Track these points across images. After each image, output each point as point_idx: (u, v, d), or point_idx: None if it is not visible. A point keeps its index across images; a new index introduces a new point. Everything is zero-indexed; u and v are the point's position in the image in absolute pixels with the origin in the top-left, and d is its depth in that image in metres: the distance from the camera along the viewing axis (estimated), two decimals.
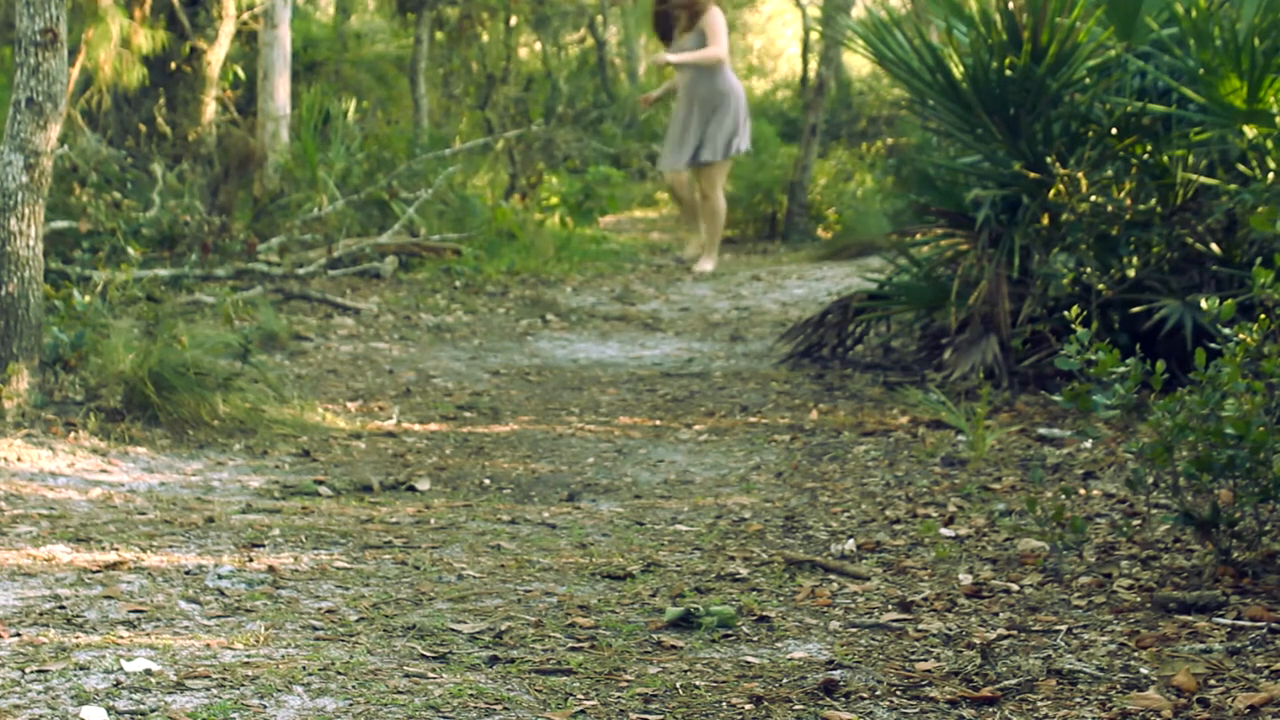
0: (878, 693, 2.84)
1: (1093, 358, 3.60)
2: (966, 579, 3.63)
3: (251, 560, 3.74)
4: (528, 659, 3.00)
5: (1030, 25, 6.17)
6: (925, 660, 3.03)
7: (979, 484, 4.65)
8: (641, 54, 18.51)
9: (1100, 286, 6.10)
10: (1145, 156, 6.17)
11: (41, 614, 3.23)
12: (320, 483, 4.78)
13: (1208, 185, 6.07)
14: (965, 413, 5.42)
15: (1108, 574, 3.64)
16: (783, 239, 12.92)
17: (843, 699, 2.81)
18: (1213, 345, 3.78)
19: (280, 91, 10.96)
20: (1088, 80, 6.21)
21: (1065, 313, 3.90)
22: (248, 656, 2.97)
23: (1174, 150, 6.13)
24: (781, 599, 3.49)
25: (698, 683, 2.89)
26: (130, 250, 8.17)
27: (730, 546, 4.00)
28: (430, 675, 2.88)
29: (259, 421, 5.47)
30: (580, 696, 2.79)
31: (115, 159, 9.47)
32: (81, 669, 2.86)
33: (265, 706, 2.69)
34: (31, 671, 2.84)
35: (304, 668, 2.90)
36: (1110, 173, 6.26)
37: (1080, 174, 6.18)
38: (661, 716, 2.71)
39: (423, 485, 4.80)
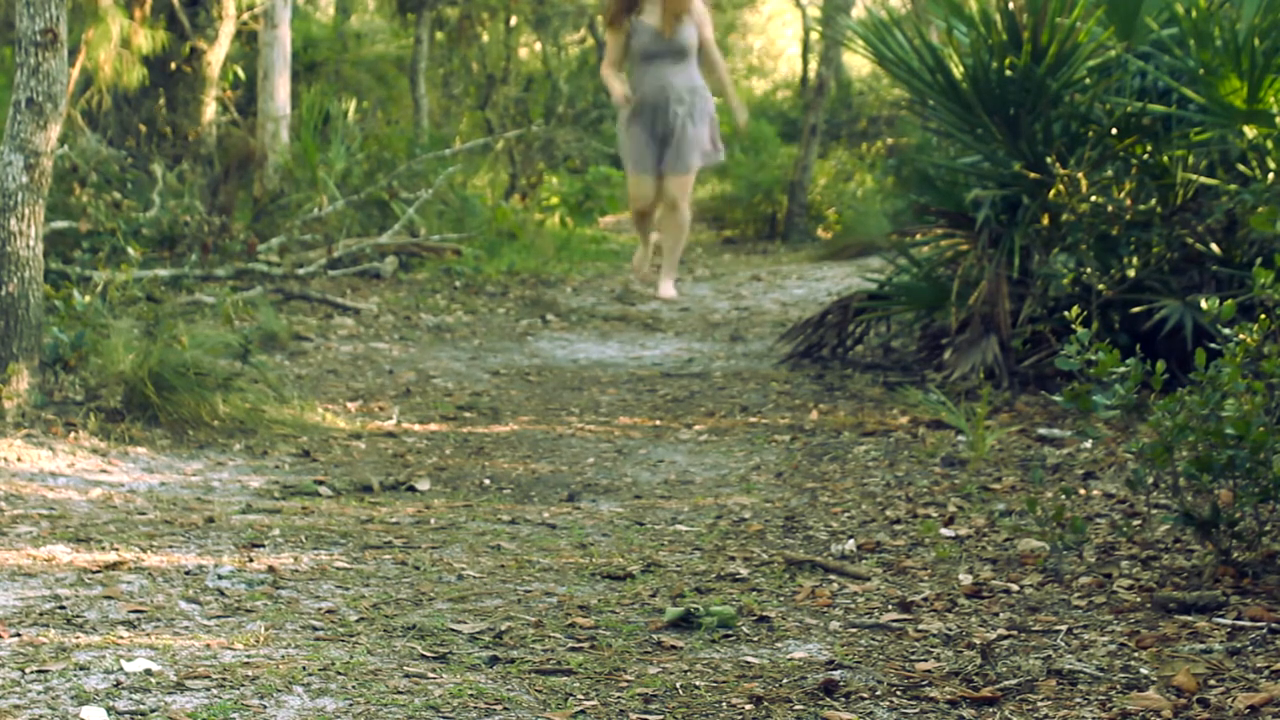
0: (878, 693, 2.84)
1: (1093, 358, 3.60)
2: (966, 579, 3.63)
3: (251, 560, 3.74)
4: (528, 659, 3.00)
5: (1030, 25, 6.17)
6: (925, 660, 3.03)
7: (979, 484, 4.65)
8: None
9: (1100, 286, 6.10)
10: (1145, 157, 6.17)
11: (41, 614, 3.23)
12: (320, 483, 4.78)
13: (1208, 185, 6.07)
14: (965, 413, 5.42)
15: (1108, 574, 3.64)
16: (783, 239, 12.93)
17: (843, 699, 2.81)
18: (1213, 345, 3.77)
19: (280, 91, 10.97)
20: (1088, 80, 6.21)
21: (1065, 313, 3.90)
22: (248, 656, 2.97)
23: (1174, 150, 6.13)
24: (781, 599, 3.49)
25: (698, 683, 2.89)
26: (130, 250, 8.17)
27: (730, 546, 3.99)
28: (430, 675, 2.88)
29: (259, 421, 5.47)
30: (580, 696, 2.79)
31: (115, 159, 9.48)
32: (81, 669, 2.86)
33: (265, 706, 2.69)
34: (31, 671, 2.84)
35: (304, 668, 2.90)
36: (1110, 173, 6.26)
37: (1080, 174, 6.18)
38: (661, 716, 2.71)
39: (423, 485, 4.80)
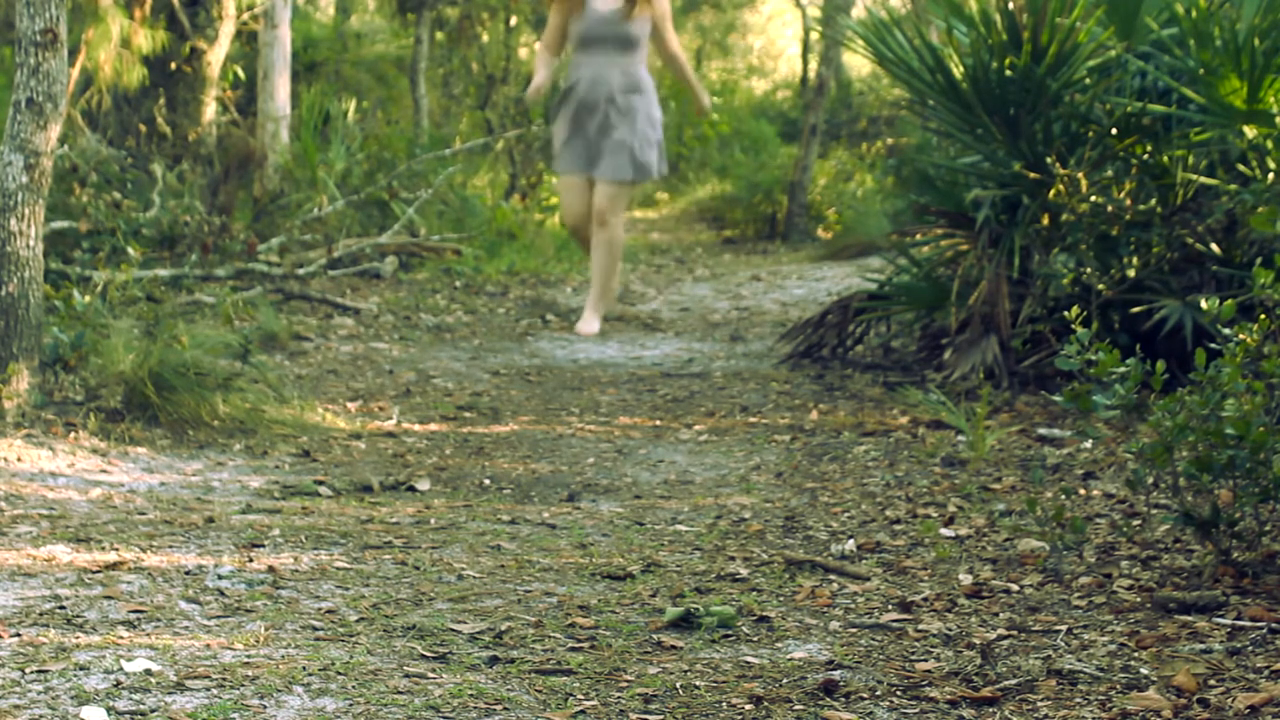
0: (878, 693, 2.84)
1: (1093, 358, 3.60)
2: (966, 579, 3.63)
3: (251, 560, 3.74)
4: (528, 659, 3.00)
5: (1030, 25, 6.17)
6: (925, 660, 3.03)
7: (979, 484, 4.65)
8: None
9: (1100, 286, 6.10)
10: (1145, 157, 6.17)
11: (41, 614, 3.23)
12: (320, 483, 4.78)
13: (1208, 185, 6.07)
14: (965, 413, 5.42)
15: (1108, 574, 3.64)
16: (783, 239, 12.93)
17: (843, 699, 2.81)
18: (1213, 345, 3.78)
19: (280, 91, 10.96)
20: (1088, 80, 6.21)
21: (1065, 313, 3.90)
22: (248, 656, 2.97)
23: (1174, 150, 6.13)
24: (781, 599, 3.49)
25: (698, 683, 2.89)
26: (130, 250, 8.17)
27: (730, 546, 4.00)
28: (430, 675, 2.88)
29: (259, 421, 5.47)
30: (580, 696, 2.79)
31: (115, 159, 9.47)
32: (81, 669, 2.86)
33: (265, 706, 2.69)
34: (31, 671, 2.84)
35: (304, 668, 2.90)
36: (1110, 173, 6.26)
37: (1080, 174, 6.18)
38: (661, 716, 2.71)
39: (423, 485, 4.80)
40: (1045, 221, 6.31)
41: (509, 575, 3.68)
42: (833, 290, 9.18)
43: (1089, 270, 6.15)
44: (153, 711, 2.65)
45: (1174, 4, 6.00)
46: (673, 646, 3.12)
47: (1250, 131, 5.87)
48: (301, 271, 8.92)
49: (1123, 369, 3.57)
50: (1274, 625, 3.18)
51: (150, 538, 3.97)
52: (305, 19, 15.44)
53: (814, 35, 18.76)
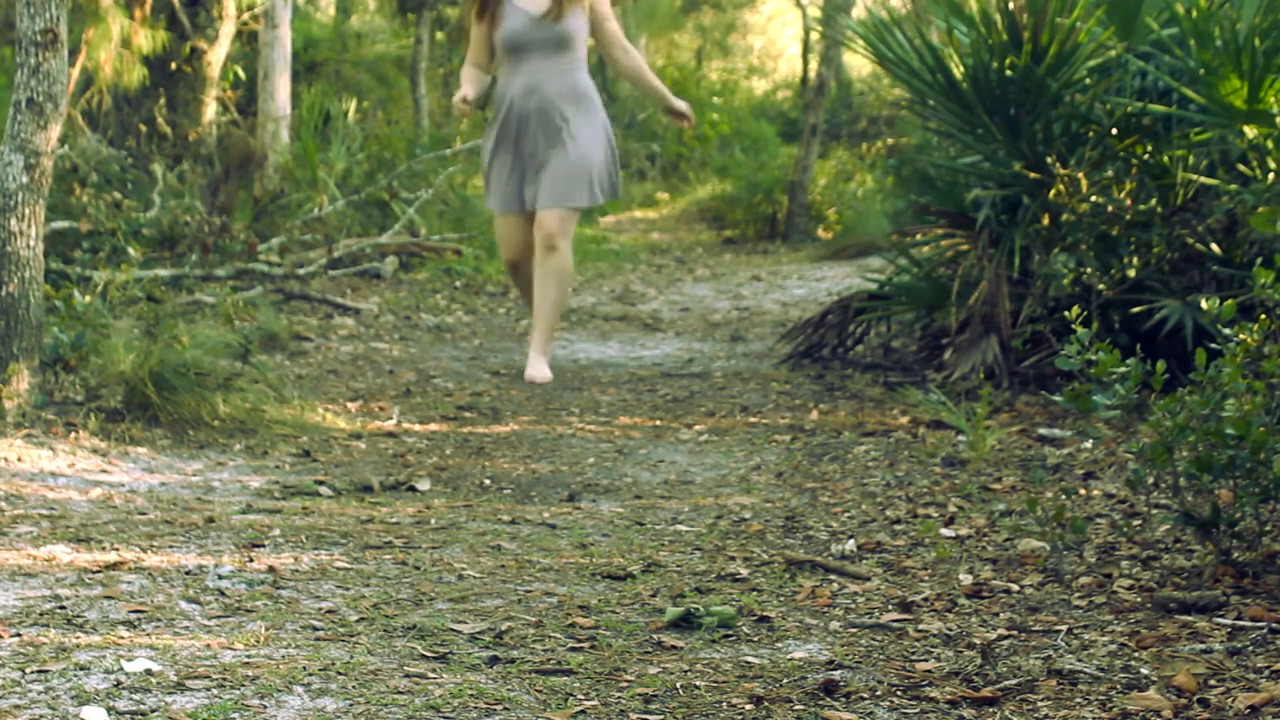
0: (878, 693, 2.84)
1: (1093, 358, 3.60)
2: (967, 579, 3.63)
3: (252, 560, 3.74)
4: (528, 659, 3.00)
5: (1030, 25, 6.17)
6: (925, 660, 3.03)
7: (979, 484, 4.65)
8: (642, 54, 18.50)
9: (1100, 286, 6.10)
10: (1145, 157, 6.17)
11: (42, 614, 3.23)
12: (320, 483, 4.78)
13: (1208, 185, 6.07)
14: (965, 413, 5.42)
15: (1108, 574, 3.64)
16: (783, 239, 12.93)
17: (843, 699, 2.81)
18: (1213, 345, 3.77)
19: (280, 91, 10.97)
20: (1088, 80, 6.21)
21: (1065, 313, 3.90)
22: (248, 656, 2.97)
23: (1174, 150, 6.13)
24: (782, 599, 3.49)
25: (698, 683, 2.89)
26: (130, 250, 8.17)
27: (730, 546, 4.00)
28: (430, 675, 2.88)
29: (259, 421, 5.47)
30: (580, 696, 2.79)
31: (115, 159, 9.48)
32: (82, 669, 2.86)
33: (265, 706, 2.69)
34: (32, 671, 2.84)
35: (304, 668, 2.90)
36: (1110, 173, 6.26)
37: (1080, 174, 6.18)
38: (662, 716, 2.71)
39: (423, 485, 4.80)
40: (1045, 221, 6.31)
41: (509, 575, 3.68)
42: (833, 290, 9.18)
43: (1089, 270, 6.15)
44: (153, 711, 2.65)
45: (1174, 4, 6.00)
46: (673, 646, 3.12)
47: (1250, 131, 5.87)
48: (302, 271, 8.92)
49: (1123, 369, 3.57)
50: (1274, 625, 3.18)
51: (150, 538, 3.97)
52: (305, 19, 15.44)
53: (814, 35, 18.77)
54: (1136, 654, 3.05)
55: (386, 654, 3.02)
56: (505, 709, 2.72)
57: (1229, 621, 3.23)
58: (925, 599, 3.46)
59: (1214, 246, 5.98)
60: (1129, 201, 6.20)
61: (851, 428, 5.62)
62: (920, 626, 3.26)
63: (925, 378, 6.35)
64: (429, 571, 3.69)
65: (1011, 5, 6.22)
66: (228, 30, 10.83)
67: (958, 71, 6.31)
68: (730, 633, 3.22)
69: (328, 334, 7.70)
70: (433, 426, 5.75)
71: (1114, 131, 6.18)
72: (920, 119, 8.48)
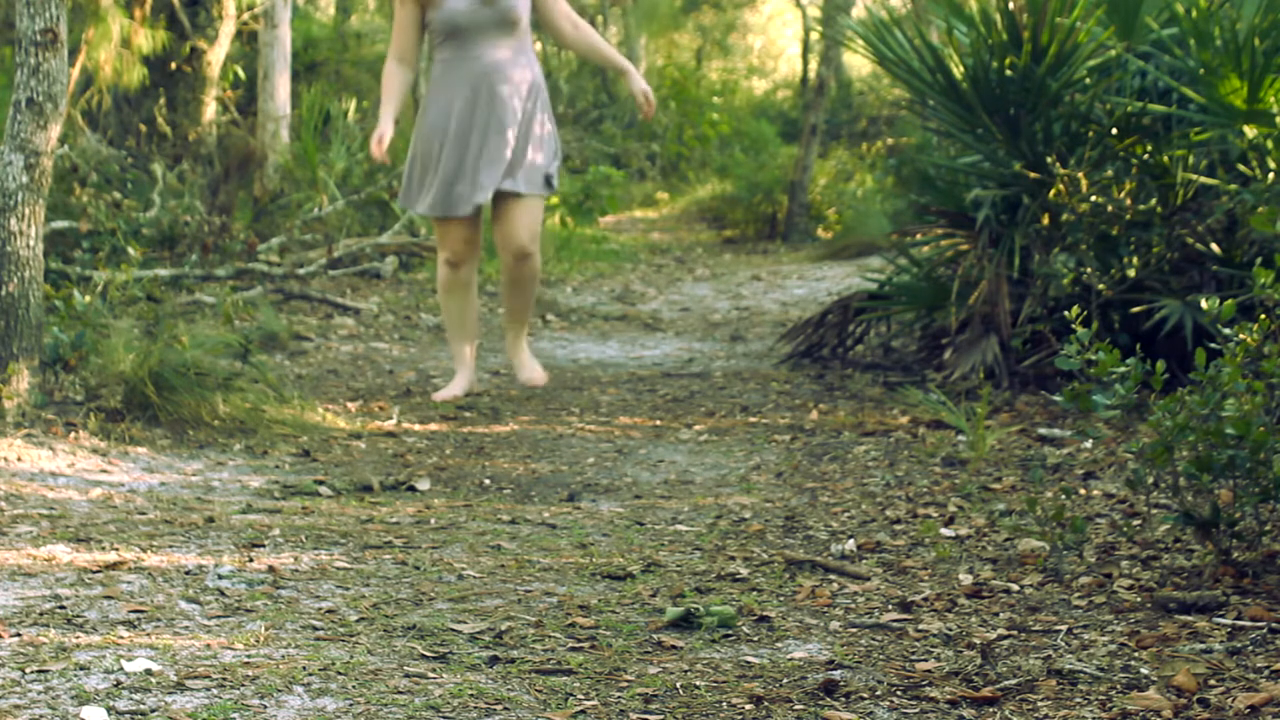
0: (878, 693, 2.84)
1: (1093, 358, 3.60)
2: (966, 579, 3.63)
3: (251, 560, 3.74)
4: (528, 659, 3.00)
5: (1030, 25, 6.17)
6: (925, 660, 3.03)
7: (979, 484, 4.65)
8: (642, 54, 18.53)
9: (1100, 286, 6.10)
10: (1145, 156, 6.17)
11: (41, 614, 3.23)
12: (320, 483, 4.78)
13: (1208, 185, 6.07)
14: (965, 413, 5.42)
15: (1108, 574, 3.64)
16: (783, 239, 12.94)
17: (843, 699, 2.81)
18: (1213, 345, 3.78)
19: (280, 91, 10.97)
20: (1088, 80, 6.21)
21: (1065, 313, 3.90)
22: (248, 656, 2.97)
23: (1174, 150, 6.13)
24: (781, 599, 3.49)
25: (698, 683, 2.89)
26: (130, 250, 8.17)
27: (730, 546, 4.00)
28: (430, 675, 2.88)
29: (259, 421, 5.47)
30: (580, 696, 2.79)
31: (115, 159, 9.48)
32: (81, 669, 2.86)
33: (265, 706, 2.69)
34: (32, 671, 2.84)
35: (304, 668, 2.90)
36: (1110, 173, 6.26)
37: (1080, 174, 6.18)
38: (661, 716, 2.71)
39: (423, 485, 4.80)
40: (1045, 221, 6.31)
41: (509, 575, 3.68)
42: (833, 290, 9.18)
43: (1089, 270, 6.15)
44: (153, 711, 2.65)
45: (1174, 4, 6.01)
46: (673, 646, 3.12)
47: (1250, 131, 5.87)
48: (302, 271, 8.92)
49: (1123, 369, 3.57)
50: (1274, 625, 3.18)
51: (150, 538, 3.97)
52: (305, 19, 15.44)
53: (814, 35, 18.77)
54: (1136, 654, 3.05)
55: (386, 654, 3.02)
56: (505, 709, 2.72)
57: (1229, 621, 3.23)
58: (925, 599, 3.46)
59: (1214, 246, 5.98)
60: (1129, 201, 6.20)
61: (851, 427, 5.62)
62: (920, 626, 3.26)
63: (925, 378, 6.36)
64: (429, 571, 3.69)
65: (1011, 5, 6.22)
66: (228, 30, 10.83)
67: (958, 71, 6.31)
68: (730, 633, 3.22)
69: (328, 334, 7.70)
70: (433, 426, 5.75)
71: (1114, 131, 6.18)
72: (920, 119, 8.49)
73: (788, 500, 4.57)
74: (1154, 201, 6.19)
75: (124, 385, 5.35)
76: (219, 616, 3.27)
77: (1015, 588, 3.56)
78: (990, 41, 6.26)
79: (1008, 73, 6.22)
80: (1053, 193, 6.23)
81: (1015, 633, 3.21)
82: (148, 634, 3.11)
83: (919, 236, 6.93)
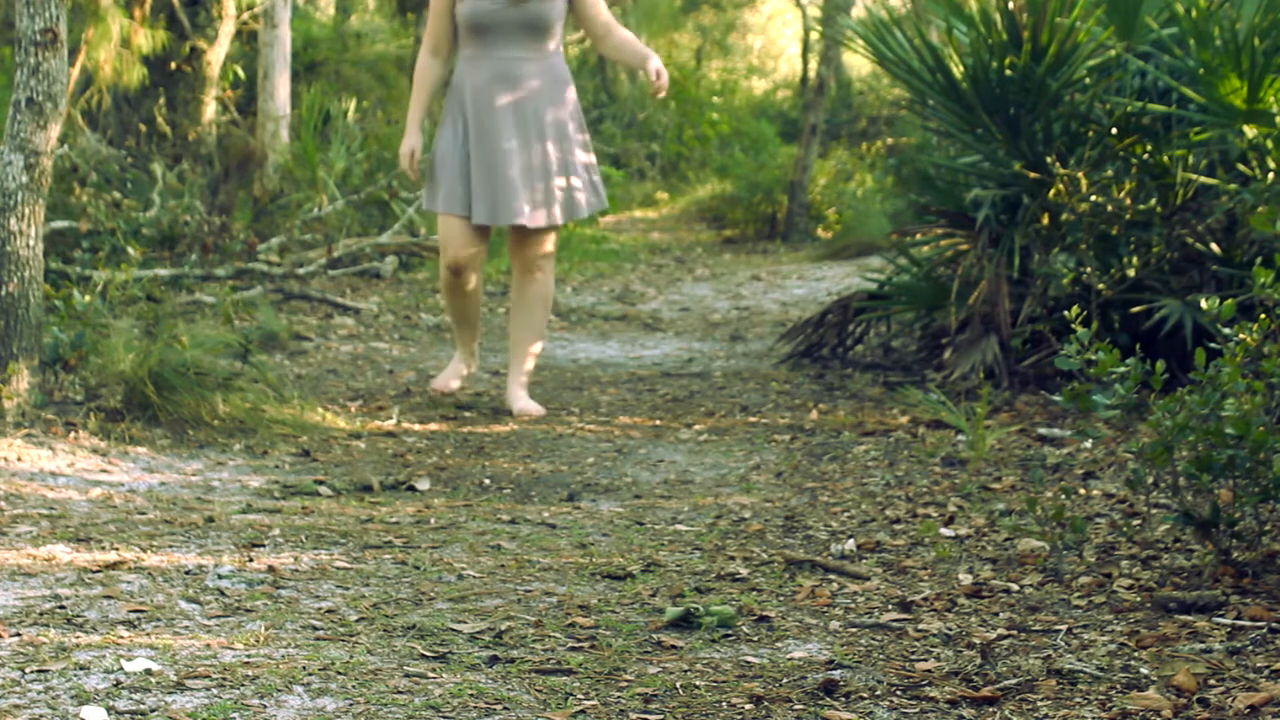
0: (878, 693, 2.84)
1: (1093, 358, 3.60)
2: (966, 579, 3.63)
3: (251, 560, 3.74)
4: (528, 659, 3.00)
5: (1030, 25, 6.17)
6: (925, 660, 3.03)
7: (979, 484, 4.65)
8: None
9: (1100, 286, 6.10)
10: (1145, 156, 6.17)
11: (41, 614, 3.23)
12: (320, 483, 4.78)
13: (1208, 185, 6.07)
14: (965, 413, 5.42)
15: (1108, 574, 3.64)
16: (783, 239, 12.93)
17: (843, 699, 2.81)
18: (1213, 345, 3.78)
19: (280, 91, 10.97)
20: (1088, 80, 6.21)
21: (1065, 313, 3.90)
22: (248, 656, 2.97)
23: (1174, 150, 6.13)
24: (781, 599, 3.49)
25: (698, 683, 2.89)
26: (130, 250, 8.17)
27: (730, 546, 4.00)
28: (430, 675, 2.88)
29: (259, 421, 5.47)
30: (580, 696, 2.79)
31: (115, 159, 9.48)
32: (81, 669, 2.86)
33: (265, 706, 2.69)
34: (31, 671, 2.84)
35: (304, 668, 2.90)
36: (1110, 173, 6.26)
37: (1080, 174, 6.18)
38: (661, 716, 2.71)
39: (423, 485, 4.80)
40: (1045, 221, 6.31)
41: (509, 575, 3.68)
42: (833, 290, 9.18)
43: (1089, 270, 6.15)
44: (153, 711, 2.65)
45: (1174, 4, 6.00)
46: (673, 646, 3.12)
47: (1250, 131, 5.87)
48: (301, 271, 8.92)
49: (1123, 369, 3.57)
50: (1274, 625, 3.18)
51: (150, 537, 3.97)
52: (305, 19, 15.43)
53: (814, 35, 18.76)
54: (1136, 654, 3.06)
55: (386, 654, 3.02)
56: (505, 709, 2.72)
57: (1229, 621, 3.23)
58: (925, 599, 3.46)
59: (1214, 246, 5.98)
60: (1129, 201, 6.20)
61: (851, 427, 5.62)
62: (920, 626, 3.26)
63: (925, 377, 6.36)
64: (429, 571, 3.69)
65: (1011, 5, 6.22)
66: (227, 30, 10.83)
67: (958, 71, 6.31)
68: (730, 632, 3.22)
69: (327, 334, 7.70)
70: (432, 426, 5.75)
71: (1114, 131, 6.18)
72: (920, 119, 8.48)
73: (787, 500, 4.57)
74: (1154, 201, 6.19)
75: (124, 385, 5.35)
76: (219, 616, 3.27)
77: (1015, 588, 3.56)
78: (990, 41, 6.26)
79: (1008, 72, 6.22)
80: (1052, 193, 6.23)
81: (1015, 632, 3.21)
82: (148, 634, 3.11)
83: (919, 236, 6.93)
